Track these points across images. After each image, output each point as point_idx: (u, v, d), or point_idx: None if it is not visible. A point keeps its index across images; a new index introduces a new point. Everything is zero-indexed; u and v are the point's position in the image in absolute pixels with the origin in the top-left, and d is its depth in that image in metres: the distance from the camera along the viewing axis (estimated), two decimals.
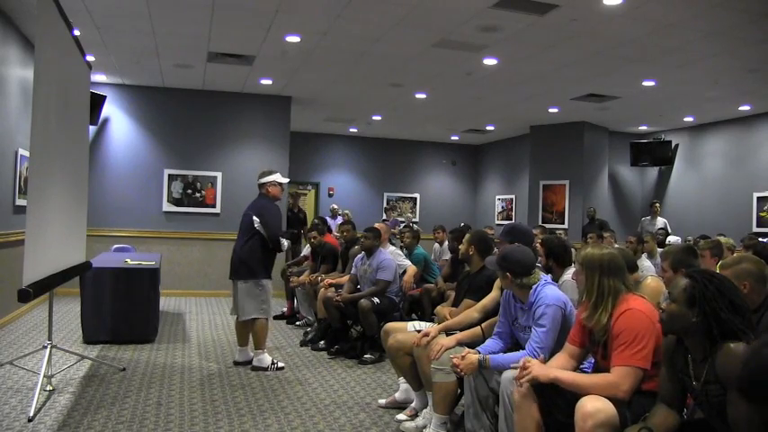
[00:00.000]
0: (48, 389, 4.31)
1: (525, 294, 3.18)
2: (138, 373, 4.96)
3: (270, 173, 5.03)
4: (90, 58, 7.40)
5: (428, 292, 6.27)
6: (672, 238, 8.00)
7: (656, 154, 11.60)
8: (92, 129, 8.61)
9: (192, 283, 9.51)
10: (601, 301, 2.58)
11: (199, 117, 9.65)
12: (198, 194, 9.60)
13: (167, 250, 9.05)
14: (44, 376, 4.18)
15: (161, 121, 9.51)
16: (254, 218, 4.92)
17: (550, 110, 10.34)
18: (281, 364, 5.12)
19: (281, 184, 5.02)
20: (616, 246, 6.38)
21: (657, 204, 10.86)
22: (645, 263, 5.53)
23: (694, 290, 2.15)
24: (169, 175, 9.50)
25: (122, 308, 5.88)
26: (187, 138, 9.58)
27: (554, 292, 3.14)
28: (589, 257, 2.70)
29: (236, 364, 5.19)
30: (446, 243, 7.53)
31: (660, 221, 10.41)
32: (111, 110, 9.33)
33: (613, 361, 2.48)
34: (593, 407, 2.34)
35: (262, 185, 5.06)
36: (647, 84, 8.20)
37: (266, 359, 5.09)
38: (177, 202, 9.50)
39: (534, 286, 3.16)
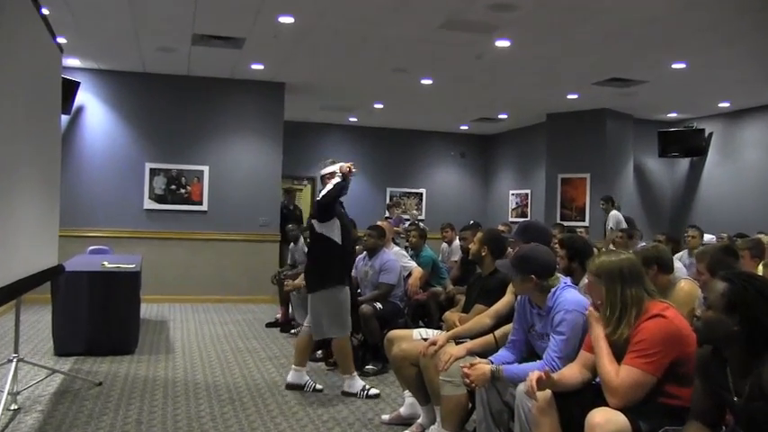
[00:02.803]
0: (12, 408, 4.28)
1: (543, 299, 3.19)
2: (117, 388, 4.96)
3: (332, 162, 4.95)
4: (61, 41, 7.42)
5: (435, 297, 6.29)
6: (707, 237, 7.99)
7: (687, 143, 11.64)
8: (64, 118, 8.62)
9: (177, 288, 9.59)
10: (624, 314, 2.60)
11: (183, 106, 9.71)
12: (182, 190, 9.66)
13: (149, 252, 9.09)
14: (9, 394, 4.16)
15: (141, 111, 9.57)
16: (313, 221, 4.89)
17: (569, 96, 10.36)
18: (374, 391, 4.93)
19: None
20: (642, 244, 6.40)
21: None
22: (676, 263, 5.50)
23: (733, 294, 2.11)
24: (151, 169, 9.55)
25: (99, 316, 5.90)
26: (170, 128, 9.64)
27: (574, 297, 3.14)
28: (607, 267, 2.69)
29: (290, 387, 5.05)
30: (455, 243, 7.57)
31: (613, 218, 10.25)
32: (85, 97, 9.36)
33: (623, 361, 2.54)
34: (603, 417, 2.38)
35: (323, 177, 4.98)
36: (676, 66, 8.20)
37: (358, 383, 4.95)
38: (160, 199, 9.57)
39: (553, 290, 3.17)
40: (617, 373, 2.51)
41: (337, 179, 4.72)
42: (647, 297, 2.62)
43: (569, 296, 3.14)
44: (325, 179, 4.90)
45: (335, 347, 4.96)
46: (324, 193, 4.73)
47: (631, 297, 2.60)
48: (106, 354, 5.91)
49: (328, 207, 4.76)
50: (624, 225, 9.41)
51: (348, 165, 4.76)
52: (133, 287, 6.14)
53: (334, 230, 4.81)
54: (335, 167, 4.83)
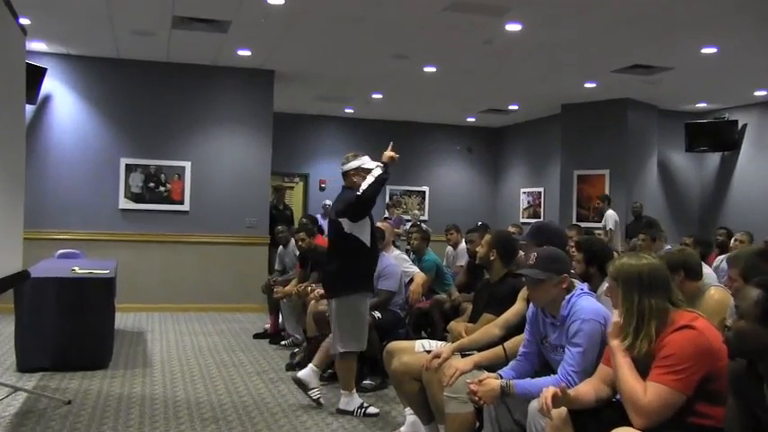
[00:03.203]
0: None
1: (557, 307, 3.20)
2: (88, 407, 4.93)
3: (355, 156, 4.97)
4: (24, 21, 7.37)
5: (440, 305, 6.29)
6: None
7: (718, 137, 11.62)
8: (29, 108, 8.58)
9: (156, 296, 9.57)
10: (642, 325, 2.58)
11: (162, 95, 9.68)
12: (162, 188, 9.66)
13: (125, 256, 9.00)
14: None
15: (116, 101, 9.54)
16: (341, 220, 4.84)
17: (586, 85, 10.35)
18: (372, 410, 4.92)
19: (370, 170, 4.86)
20: (668, 247, 6.40)
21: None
22: (705, 269, 5.44)
23: None
24: (127, 165, 9.54)
25: (68, 326, 5.84)
26: (148, 120, 9.62)
27: (591, 305, 3.15)
28: (626, 271, 2.68)
29: (296, 382, 5.06)
30: (461, 246, 7.58)
31: (610, 218, 10.36)
32: (53, 85, 9.31)
33: (648, 376, 2.51)
34: None
35: (346, 174, 4.98)
36: (706, 51, 8.20)
37: (355, 401, 4.94)
38: (137, 198, 9.56)
39: (567, 297, 3.18)
40: (644, 391, 2.47)
41: (378, 170, 4.67)
42: (672, 308, 2.60)
43: (586, 304, 3.13)
44: (350, 176, 4.90)
45: (342, 361, 4.92)
46: (365, 187, 4.67)
47: (650, 308, 2.57)
48: (76, 369, 5.87)
49: (368, 204, 4.73)
50: (611, 224, 9.44)
51: (391, 153, 4.74)
52: (107, 295, 6.11)
53: (364, 231, 4.81)
54: (360, 162, 4.85)
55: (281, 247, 8.18)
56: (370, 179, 4.67)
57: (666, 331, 2.53)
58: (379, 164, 4.70)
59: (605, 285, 3.59)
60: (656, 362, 2.50)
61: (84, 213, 9.32)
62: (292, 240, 7.86)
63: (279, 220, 9.92)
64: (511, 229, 7.80)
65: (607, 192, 11.26)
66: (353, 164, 4.89)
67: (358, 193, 4.68)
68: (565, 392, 2.61)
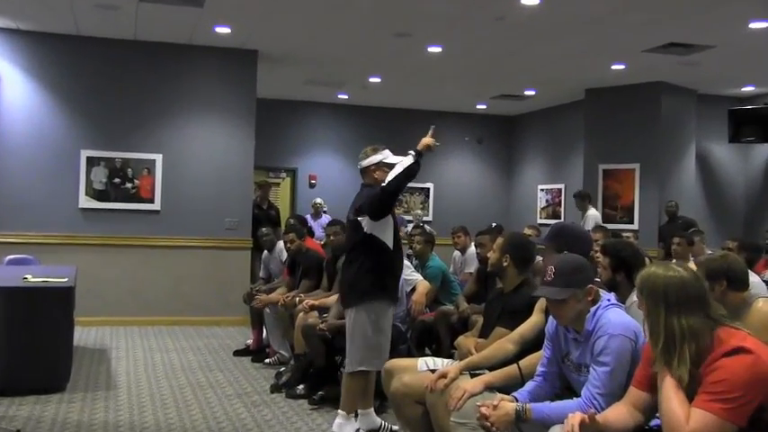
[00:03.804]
0: None
1: (581, 321, 3.20)
2: None
3: (375, 150, 5.01)
4: None
5: (446, 318, 6.28)
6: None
7: (767, 125, 11.52)
8: None
9: (121, 308, 9.51)
10: (673, 348, 2.56)
11: (129, 78, 9.60)
12: (129, 185, 9.61)
13: (86, 262, 8.94)
14: None
15: (75, 84, 9.47)
16: (360, 219, 4.86)
17: (614, 66, 10.31)
18: (395, 428, 4.97)
19: (392, 165, 4.87)
20: (708, 252, 6.35)
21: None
22: (751, 277, 5.27)
23: None
24: (88, 158, 9.48)
25: (18, 343, 5.83)
26: (113, 107, 9.54)
27: (620, 318, 3.15)
28: (651, 282, 2.67)
29: None
30: (470, 250, 7.60)
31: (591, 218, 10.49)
32: (1, 66, 9.27)
33: (693, 402, 2.49)
34: None
35: (365, 171, 5.03)
36: (755, 26, 8.17)
37: (351, 427, 4.92)
38: (100, 196, 9.52)
39: (593, 309, 3.18)
40: (686, 418, 2.45)
41: (409, 159, 4.66)
42: (713, 325, 2.57)
43: (614, 317, 3.13)
44: (370, 172, 4.96)
45: (357, 379, 4.88)
46: (390, 178, 4.67)
47: (681, 328, 2.55)
48: (27, 392, 5.82)
49: (392, 198, 4.77)
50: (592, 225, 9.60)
51: (430, 140, 4.76)
52: (64, 306, 6.09)
53: (387, 231, 4.84)
54: (382, 156, 4.90)
55: (265, 251, 8.15)
56: (398, 169, 4.65)
57: (716, 353, 2.50)
58: (411, 152, 4.67)
59: (633, 296, 3.62)
60: (704, 386, 2.48)
61: (39, 213, 9.23)
62: (279, 244, 7.89)
63: (263, 220, 9.89)
64: (527, 232, 7.77)
65: (637, 189, 11.17)
66: (374, 158, 4.93)
67: (383, 186, 4.69)
68: (593, 419, 2.61)
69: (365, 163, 4.99)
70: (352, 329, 4.85)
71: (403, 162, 4.66)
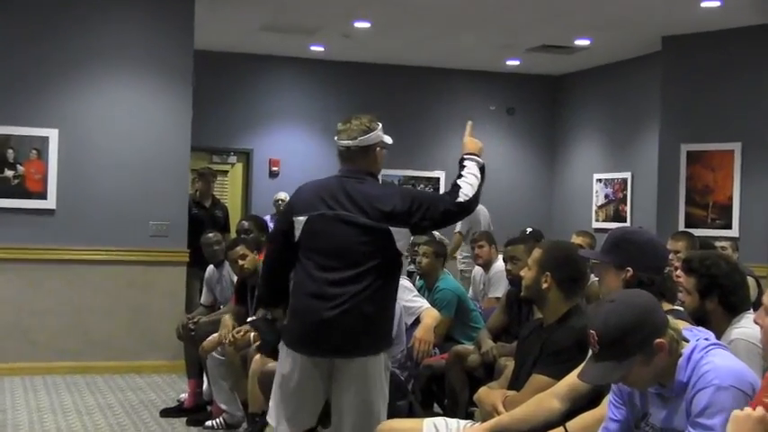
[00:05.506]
0: None
1: (669, 373, 2.89)
2: None
3: (371, 122, 4.59)
4: None
5: (461, 360, 6.06)
6: None
7: None
8: None
9: (7, 351, 8.54)
10: None
11: (15, 25, 8.63)
12: (10, 173, 8.65)
13: None
14: None
15: None
16: (394, 229, 4.44)
17: (704, 4, 9.32)
18: None
19: (387, 146, 4.76)
20: None
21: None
22: None
23: None
24: None
25: None
26: None
27: (729, 363, 2.79)
28: None
29: None
30: (496, 265, 7.46)
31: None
32: None
33: None
34: None
35: (364, 150, 4.59)
36: None
37: None
38: None
39: (686, 352, 2.80)
40: None
41: (472, 164, 4.46)
42: None
43: (721, 362, 2.78)
44: (372, 153, 4.55)
45: None
46: (469, 190, 4.39)
47: None
48: None
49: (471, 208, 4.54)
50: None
51: (476, 141, 4.58)
52: None
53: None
54: (381, 132, 4.61)
55: (210, 267, 7.66)
56: (471, 179, 4.42)
57: None
58: (472, 155, 4.53)
59: (734, 331, 3.67)
60: None
61: None
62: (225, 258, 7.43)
63: (205, 223, 9.15)
64: (576, 240, 7.38)
65: (738, 180, 10.01)
66: (378, 134, 4.55)
67: (459, 200, 4.40)
68: None
69: (368, 139, 4.48)
70: (349, 390, 4.46)
71: (470, 168, 4.50)
